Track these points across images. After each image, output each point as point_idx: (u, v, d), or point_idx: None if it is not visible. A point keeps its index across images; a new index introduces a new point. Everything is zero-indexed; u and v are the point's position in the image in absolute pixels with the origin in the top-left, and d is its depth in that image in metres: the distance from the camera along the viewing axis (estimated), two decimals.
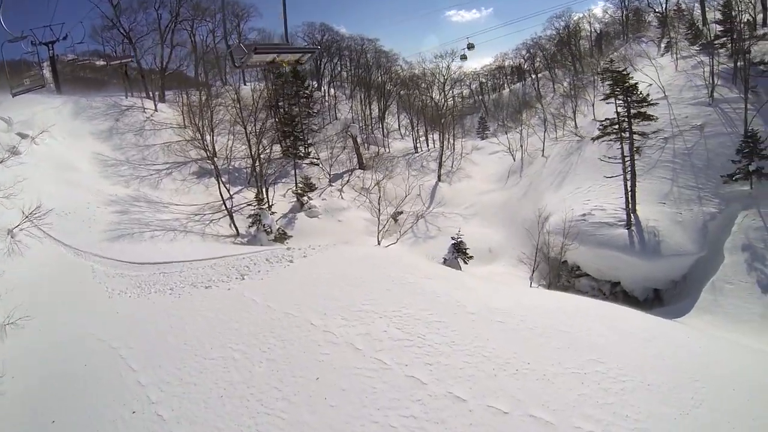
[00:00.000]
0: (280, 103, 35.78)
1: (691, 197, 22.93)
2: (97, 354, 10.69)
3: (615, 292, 22.33)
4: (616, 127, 22.55)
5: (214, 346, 9.95)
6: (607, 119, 23.03)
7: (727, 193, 22.27)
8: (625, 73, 22.46)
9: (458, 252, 20.69)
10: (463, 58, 40.23)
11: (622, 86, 22.19)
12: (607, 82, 23.80)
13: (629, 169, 22.56)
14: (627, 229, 22.01)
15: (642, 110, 22.22)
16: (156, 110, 35.47)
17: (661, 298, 21.46)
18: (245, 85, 43.17)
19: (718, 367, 9.61)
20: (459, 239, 20.99)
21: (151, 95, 37.15)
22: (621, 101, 22.53)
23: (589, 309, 12.56)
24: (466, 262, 20.62)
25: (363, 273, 13.33)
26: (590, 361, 9.02)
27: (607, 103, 23.66)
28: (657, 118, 22.28)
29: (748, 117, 23.29)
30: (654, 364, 9.20)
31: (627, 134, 22.38)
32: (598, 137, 23.35)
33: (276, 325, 10.47)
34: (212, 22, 43.30)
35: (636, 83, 22.43)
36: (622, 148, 22.44)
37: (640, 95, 22.31)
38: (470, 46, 36.57)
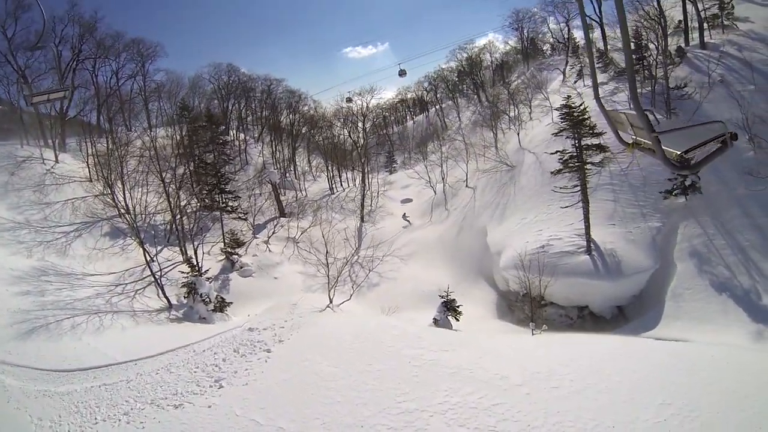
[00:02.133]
0: (195, 151, 32.74)
1: (635, 215, 24.13)
2: None
3: (583, 315, 22.55)
4: (575, 159, 23.09)
5: None
6: (558, 151, 23.54)
7: (666, 206, 23.67)
8: (577, 107, 23.19)
9: (449, 310, 19.36)
10: (402, 73, 41.29)
11: (572, 119, 22.92)
12: (559, 116, 24.53)
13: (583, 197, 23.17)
14: (588, 254, 22.42)
15: (596, 142, 23.06)
16: (57, 161, 30.30)
17: (625, 315, 22.06)
18: (150, 131, 39.10)
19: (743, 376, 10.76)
20: (448, 296, 19.69)
21: (51, 144, 31.87)
22: (571, 134, 23.23)
23: (612, 350, 13.12)
24: (457, 320, 19.35)
25: (371, 358, 11.35)
26: (661, 405, 9.31)
27: (560, 136, 24.15)
28: (609, 148, 23.32)
29: None
30: (708, 391, 9.96)
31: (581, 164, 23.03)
32: (559, 171, 23.79)
33: None
34: (116, 61, 39.16)
35: (588, 117, 23.24)
36: (582, 177, 22.99)
37: (590, 127, 23.16)
38: (402, 73, 38.24)
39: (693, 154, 3.27)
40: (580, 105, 23.32)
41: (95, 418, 10.42)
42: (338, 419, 8.95)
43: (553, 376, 10.42)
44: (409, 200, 41.00)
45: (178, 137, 32.35)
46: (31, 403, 11.37)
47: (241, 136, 47.43)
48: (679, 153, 3.20)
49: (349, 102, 48.53)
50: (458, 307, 19.57)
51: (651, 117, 3.19)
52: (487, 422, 8.57)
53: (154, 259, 23.34)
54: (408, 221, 36.27)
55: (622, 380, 10.55)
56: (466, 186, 35.80)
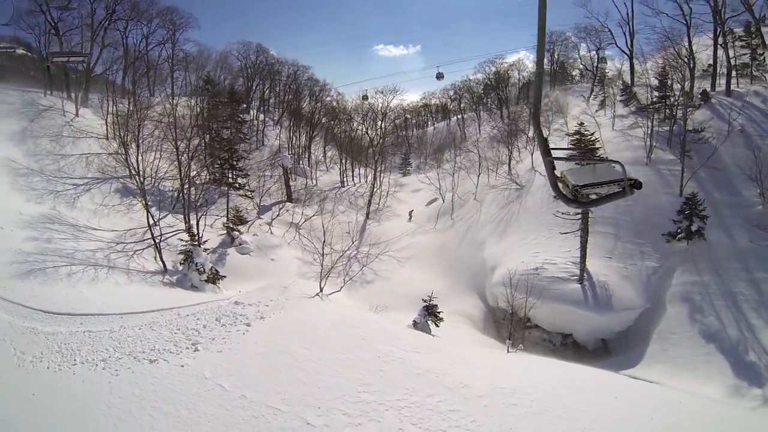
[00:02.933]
0: (213, 125, 33.18)
1: (634, 252, 24.15)
2: None
3: (566, 343, 22.67)
4: None
5: None
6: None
7: (666, 248, 23.64)
8: (589, 134, 23.28)
9: (429, 315, 19.59)
10: (440, 76, 40.89)
11: (582, 146, 23.02)
12: (570, 142, 24.62)
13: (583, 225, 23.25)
14: (580, 283, 22.51)
15: None
16: (77, 115, 30.93)
17: (608, 349, 22.10)
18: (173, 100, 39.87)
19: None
20: (431, 301, 19.91)
21: (73, 97, 32.49)
22: (579, 160, 23.31)
23: (586, 380, 13.17)
24: (437, 325, 19.58)
25: (343, 347, 11.66)
26: None
27: (567, 161, 24.19)
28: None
29: (683, 179, 25.39)
30: None
31: None
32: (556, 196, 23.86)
33: (263, 428, 8.29)
34: (147, 26, 39.76)
35: (597, 142, 23.33)
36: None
37: (598, 157, 23.24)
38: (440, 76, 37.86)
39: (590, 191, 3.21)
40: (593, 134, 23.38)
41: (74, 360, 10.85)
42: (299, 398, 9.28)
43: (516, 393, 10.54)
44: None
45: (198, 109, 32.79)
46: (18, 337, 11.82)
47: (261, 116, 47.94)
48: (573, 185, 3.21)
49: (365, 99, 48.59)
50: (439, 313, 19.78)
51: (617, 167, 3.21)
52: (439, 425, 8.78)
53: (157, 223, 23.82)
54: (410, 215, 37.07)
55: (583, 410, 10.59)
56: (474, 199, 35.94)
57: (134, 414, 8.69)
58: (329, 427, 8.40)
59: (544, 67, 56.19)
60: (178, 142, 25.82)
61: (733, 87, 32.06)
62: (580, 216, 23.42)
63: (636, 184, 3.03)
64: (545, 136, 2.95)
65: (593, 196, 3.26)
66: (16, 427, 8.34)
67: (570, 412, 10.20)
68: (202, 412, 8.79)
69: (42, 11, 32.51)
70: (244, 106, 43.13)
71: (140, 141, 27.02)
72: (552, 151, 3.04)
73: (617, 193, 3.10)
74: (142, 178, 24.44)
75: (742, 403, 15.78)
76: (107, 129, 30.10)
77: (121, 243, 22.56)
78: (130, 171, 25.70)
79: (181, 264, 21.99)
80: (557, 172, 3.44)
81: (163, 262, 21.93)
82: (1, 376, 10.20)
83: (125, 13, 37.99)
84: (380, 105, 49.54)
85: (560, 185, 3.15)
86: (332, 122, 52.61)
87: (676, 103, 29.42)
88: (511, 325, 21.40)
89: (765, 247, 21.62)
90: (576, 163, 3.51)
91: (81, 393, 9.53)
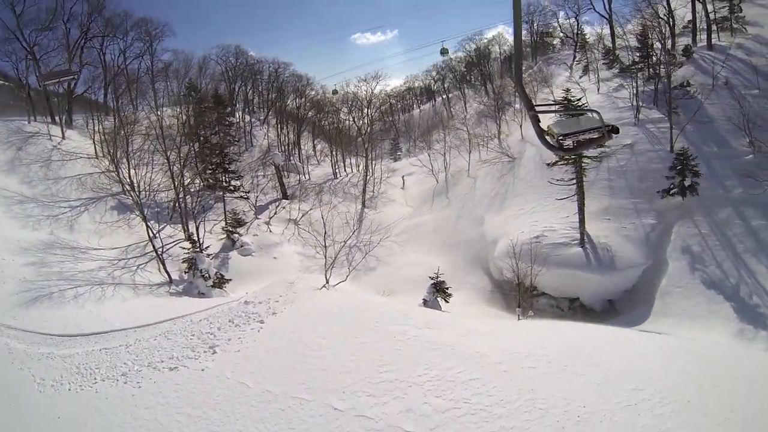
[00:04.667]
0: (200, 131, 33.11)
1: (630, 211, 24.40)
2: None
3: (573, 307, 22.97)
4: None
5: None
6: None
7: (662, 205, 23.93)
8: (576, 100, 23.36)
9: (438, 291, 19.81)
10: (444, 51, 42.41)
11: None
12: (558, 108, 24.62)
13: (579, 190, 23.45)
14: (581, 247, 22.78)
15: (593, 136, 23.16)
16: (64, 138, 30.73)
17: (615, 308, 22.43)
18: (156, 111, 39.67)
19: (727, 370, 11.18)
20: (438, 278, 20.12)
21: (58, 120, 32.24)
22: None
23: (596, 336, 13.47)
24: (447, 301, 19.81)
25: (357, 331, 11.85)
26: (633, 390, 9.56)
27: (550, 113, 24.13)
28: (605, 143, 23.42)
29: (672, 136, 25.57)
30: (681, 380, 10.27)
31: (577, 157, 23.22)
32: (555, 162, 24.04)
33: (292, 418, 8.47)
34: (123, 40, 39.34)
35: (585, 107, 23.37)
36: (578, 171, 23.21)
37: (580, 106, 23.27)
38: (444, 51, 39.79)
39: (573, 138, 3.43)
40: (580, 99, 23.49)
41: (95, 378, 10.94)
42: (322, 385, 9.47)
43: (531, 356, 10.81)
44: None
45: (184, 117, 32.63)
46: (34, 364, 11.87)
47: (247, 118, 47.81)
48: (557, 133, 3.41)
49: (335, 94, 49.97)
50: (447, 289, 19.99)
51: (595, 116, 3.37)
52: (462, 395, 9.00)
53: (157, 235, 23.88)
54: (403, 180, 38.62)
55: (598, 364, 10.90)
56: (468, 176, 36.05)
57: (161, 422, 8.83)
58: (356, 409, 8.58)
59: (523, 38, 56.17)
60: (169, 153, 25.75)
61: (714, 41, 32.15)
62: (574, 180, 23.60)
63: (614, 129, 3.30)
64: (527, 94, 3.17)
65: (574, 143, 3.54)
66: None
67: (586, 368, 10.49)
68: (230, 412, 8.95)
69: (16, 37, 32.12)
70: (230, 109, 42.98)
71: (130, 156, 26.93)
72: (536, 106, 3.32)
73: (597, 138, 3.38)
74: (137, 193, 24.39)
75: (752, 346, 16.15)
76: (96, 148, 29.93)
77: (124, 259, 22.64)
78: (123, 186, 25.68)
79: (185, 273, 22.10)
80: (544, 125, 3.64)
81: (167, 273, 22.02)
82: (24, 403, 10.29)
83: (100, 30, 37.50)
84: (364, 93, 49.53)
85: (547, 137, 3.37)
86: (318, 115, 52.48)
87: (658, 61, 29.51)
88: (518, 295, 21.63)
89: (758, 195, 21.88)
90: (559, 115, 3.77)
91: (106, 409, 9.64)
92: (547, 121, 4.12)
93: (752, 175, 22.16)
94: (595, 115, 3.21)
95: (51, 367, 11.78)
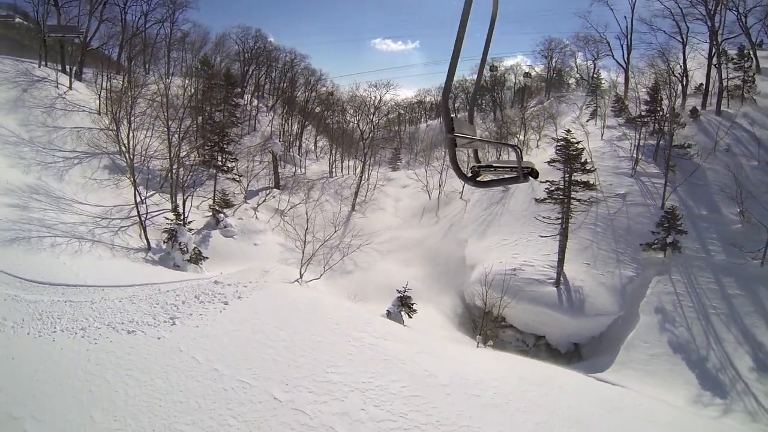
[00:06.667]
0: (206, 107, 33.25)
1: (611, 260, 24.62)
2: None
3: (538, 344, 23.09)
4: (561, 192, 23.60)
5: (156, 428, 7.78)
6: (548, 181, 23.98)
7: (644, 258, 24.19)
8: (575, 142, 23.67)
9: (403, 305, 19.97)
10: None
11: (567, 153, 23.43)
12: (556, 147, 25.05)
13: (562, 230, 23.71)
14: (556, 287, 22.95)
15: (584, 180, 23.58)
16: (71, 88, 30.84)
17: (580, 353, 22.59)
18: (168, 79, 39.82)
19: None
20: (405, 292, 20.29)
21: (68, 70, 32.27)
22: (562, 167, 23.72)
23: (551, 378, 13.62)
24: (410, 317, 19.97)
25: (315, 330, 12.02)
26: None
27: (551, 165, 24.43)
28: (596, 187, 23.83)
29: (665, 193, 26.03)
30: None
31: (566, 198, 23.54)
32: (543, 200, 24.32)
33: (232, 399, 8.65)
34: (147, 3, 39.47)
35: (583, 150, 23.76)
36: (566, 211, 23.49)
37: (581, 164, 23.66)
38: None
39: (488, 172, 3.21)
40: (579, 142, 23.82)
41: (54, 328, 11.09)
42: (269, 374, 9.63)
43: (480, 385, 10.96)
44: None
45: (192, 90, 32.77)
46: (0, 305, 12.02)
47: (255, 102, 47.96)
48: (474, 165, 3.29)
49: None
50: (413, 304, 20.14)
51: (513, 154, 3.13)
52: (401, 409, 9.15)
53: (144, 201, 24.00)
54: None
55: (543, 405, 11.06)
56: (461, 197, 36.36)
57: (109, 380, 8.98)
58: (294, 403, 8.76)
59: (539, 72, 56.64)
60: (170, 122, 25.90)
61: (723, 108, 32.68)
62: (560, 220, 23.87)
63: (533, 173, 3.01)
64: (451, 115, 3.02)
65: (490, 177, 3.27)
66: None
67: (530, 406, 10.65)
68: (175, 382, 9.10)
69: None
70: (239, 90, 43.16)
71: (132, 118, 27.06)
72: (455, 131, 3.08)
73: (512, 178, 3.08)
74: (131, 156, 24.48)
75: (703, 412, 16.40)
76: (100, 104, 30.04)
77: (107, 218, 22.73)
78: (120, 147, 25.73)
79: (165, 242, 22.19)
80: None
81: (147, 240, 22.14)
82: None
83: None
84: (373, 98, 49.77)
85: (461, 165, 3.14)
86: (325, 112, 52.66)
87: (663, 117, 30.01)
88: (483, 322, 21.80)
89: (740, 265, 22.23)
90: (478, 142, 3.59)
91: (60, 358, 9.78)
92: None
93: (737, 245, 22.51)
94: (514, 151, 3.07)
95: (15, 309, 11.92)
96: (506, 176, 3.08)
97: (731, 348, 19.35)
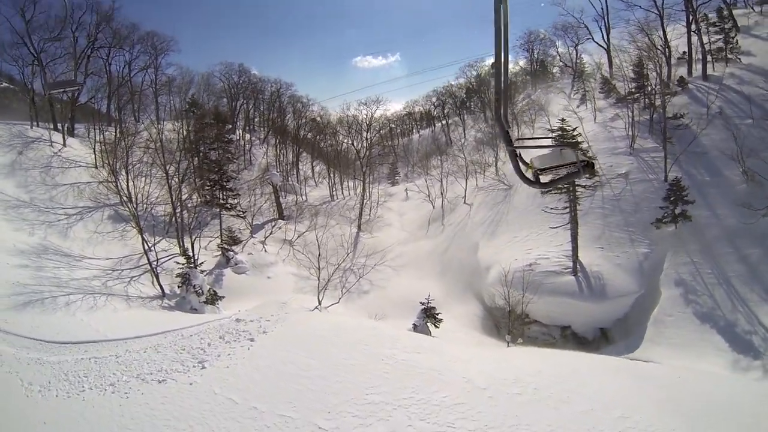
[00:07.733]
0: (200, 147, 33.46)
1: (624, 240, 24.55)
2: None
3: (565, 335, 22.93)
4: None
5: None
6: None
7: (656, 234, 24.09)
8: (571, 129, 23.72)
9: (428, 317, 19.85)
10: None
11: (565, 141, 23.41)
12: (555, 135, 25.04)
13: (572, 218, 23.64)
14: (574, 275, 22.85)
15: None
16: (65, 145, 31.13)
17: (607, 337, 22.42)
18: (158, 124, 40.16)
19: (706, 398, 11.43)
20: (429, 304, 20.17)
21: (60, 128, 32.63)
22: None
23: (585, 365, 13.55)
24: (437, 327, 19.82)
25: (346, 353, 11.88)
26: (619, 419, 9.71)
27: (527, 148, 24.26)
28: (600, 173, 23.81)
29: (667, 165, 25.98)
30: (668, 409, 10.41)
31: (570, 186, 23.47)
32: (547, 191, 24.28)
33: None
34: (130, 52, 40.07)
35: (579, 136, 23.81)
36: (572, 198, 23.44)
37: (580, 150, 23.61)
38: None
39: (550, 173, 3.41)
40: (575, 129, 23.86)
41: (83, 387, 10.88)
42: (308, 404, 9.47)
43: (518, 383, 10.88)
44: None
45: (185, 132, 33.03)
46: (23, 369, 11.81)
47: (247, 136, 48.31)
48: (535, 169, 3.44)
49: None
50: (438, 315, 20.02)
51: (570, 152, 3.32)
52: (446, 419, 9.02)
53: (152, 248, 23.95)
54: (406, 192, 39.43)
55: (584, 393, 10.97)
56: (464, 202, 36.34)
57: None
58: (340, 429, 8.58)
59: (523, 66, 57.06)
60: (167, 166, 25.98)
61: (709, 72, 32.74)
62: (568, 209, 23.83)
63: (589, 165, 3.23)
64: (507, 129, 3.24)
65: (551, 178, 3.49)
66: None
67: (572, 396, 10.54)
68: (216, 426, 8.91)
69: (24, 43, 32.78)
70: (230, 126, 43.50)
71: (129, 167, 27.17)
72: (515, 141, 3.35)
73: (572, 173, 3.31)
74: (134, 204, 24.53)
75: (744, 376, 16.15)
76: (96, 157, 30.26)
77: (117, 270, 22.71)
78: (121, 197, 25.87)
79: (179, 287, 22.14)
80: (529, 159, 3.72)
81: (160, 287, 22.06)
82: (11, 407, 10.18)
83: (107, 41, 38.38)
84: (364, 116, 50.17)
85: (523, 168, 3.39)
86: (317, 137, 53.01)
87: (653, 91, 30.10)
88: (509, 321, 21.63)
89: (751, 224, 22.09)
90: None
91: (92, 417, 9.57)
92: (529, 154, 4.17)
93: (745, 204, 22.38)
94: (569, 150, 3.22)
95: (40, 372, 11.71)
96: (567, 173, 3.22)
97: (757, 307, 19.15)
